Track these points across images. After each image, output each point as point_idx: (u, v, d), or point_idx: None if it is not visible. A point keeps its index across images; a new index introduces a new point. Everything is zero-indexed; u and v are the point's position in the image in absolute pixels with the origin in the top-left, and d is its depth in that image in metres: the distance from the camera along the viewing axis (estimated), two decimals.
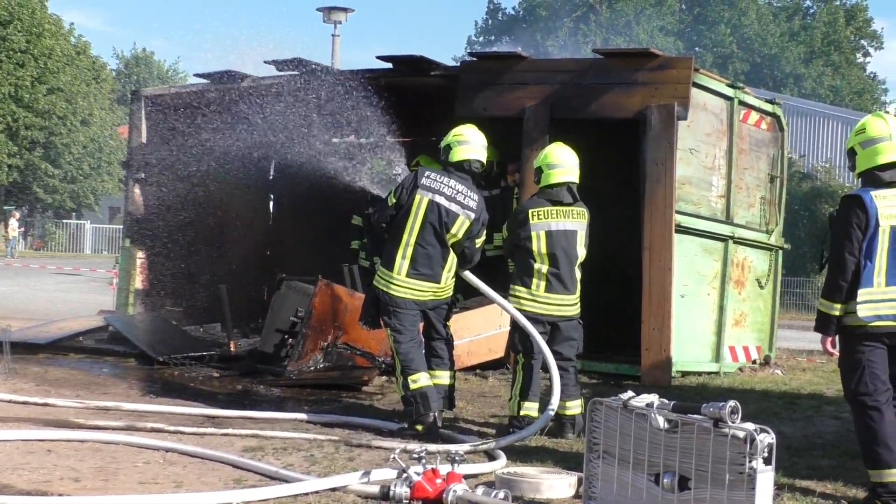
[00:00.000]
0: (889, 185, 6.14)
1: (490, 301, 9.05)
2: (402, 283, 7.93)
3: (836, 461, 7.40)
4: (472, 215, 8.03)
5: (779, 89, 51.83)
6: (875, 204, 6.06)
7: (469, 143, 8.16)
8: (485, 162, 8.32)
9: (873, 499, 6.09)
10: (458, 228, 8.00)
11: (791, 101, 41.20)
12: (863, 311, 6.07)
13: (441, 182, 8.02)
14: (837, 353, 6.28)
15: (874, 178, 6.18)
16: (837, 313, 6.15)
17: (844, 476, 6.75)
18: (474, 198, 8.08)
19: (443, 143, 8.26)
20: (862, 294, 6.05)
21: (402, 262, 7.93)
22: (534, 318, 8.09)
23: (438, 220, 7.94)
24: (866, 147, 6.23)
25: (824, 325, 6.22)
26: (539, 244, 8.15)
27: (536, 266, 8.16)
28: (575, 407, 8.15)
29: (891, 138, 6.18)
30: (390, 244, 8.06)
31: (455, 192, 8.00)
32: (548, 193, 8.27)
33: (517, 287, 8.22)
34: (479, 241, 8.22)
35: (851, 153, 6.30)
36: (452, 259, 8.08)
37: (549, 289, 8.17)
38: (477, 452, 7.20)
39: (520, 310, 8.15)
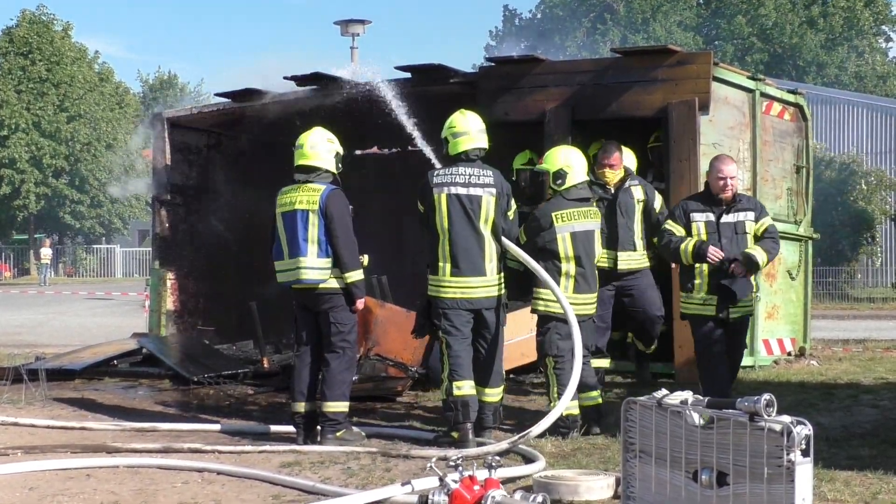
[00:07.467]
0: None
1: (519, 305, 9.04)
2: (449, 283, 7.88)
3: (876, 450, 7.34)
4: (494, 190, 7.98)
5: (801, 78, 51.51)
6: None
7: (464, 133, 8.07)
8: (486, 146, 8.15)
9: None
10: (487, 210, 7.95)
11: (815, 89, 40.95)
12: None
13: (450, 174, 7.97)
14: None
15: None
16: None
17: (885, 465, 6.69)
18: (488, 174, 8.01)
19: (442, 137, 8.18)
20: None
21: (445, 264, 7.89)
22: (563, 320, 8.07)
23: (463, 210, 7.89)
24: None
25: None
26: (565, 246, 8.18)
27: (564, 268, 8.18)
28: (593, 398, 8.28)
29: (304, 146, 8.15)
30: (431, 251, 8.02)
31: (468, 176, 7.94)
32: (572, 193, 8.34)
33: (543, 290, 8.17)
34: (511, 214, 8.16)
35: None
36: (492, 249, 7.98)
37: (577, 288, 8.23)
38: (514, 457, 7.19)
39: (550, 313, 8.13)
